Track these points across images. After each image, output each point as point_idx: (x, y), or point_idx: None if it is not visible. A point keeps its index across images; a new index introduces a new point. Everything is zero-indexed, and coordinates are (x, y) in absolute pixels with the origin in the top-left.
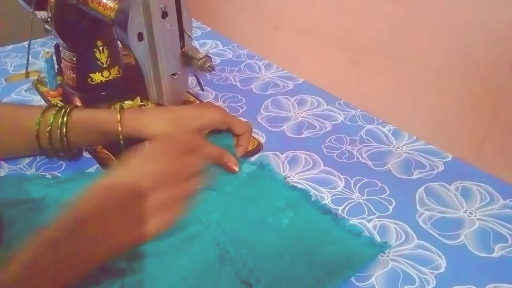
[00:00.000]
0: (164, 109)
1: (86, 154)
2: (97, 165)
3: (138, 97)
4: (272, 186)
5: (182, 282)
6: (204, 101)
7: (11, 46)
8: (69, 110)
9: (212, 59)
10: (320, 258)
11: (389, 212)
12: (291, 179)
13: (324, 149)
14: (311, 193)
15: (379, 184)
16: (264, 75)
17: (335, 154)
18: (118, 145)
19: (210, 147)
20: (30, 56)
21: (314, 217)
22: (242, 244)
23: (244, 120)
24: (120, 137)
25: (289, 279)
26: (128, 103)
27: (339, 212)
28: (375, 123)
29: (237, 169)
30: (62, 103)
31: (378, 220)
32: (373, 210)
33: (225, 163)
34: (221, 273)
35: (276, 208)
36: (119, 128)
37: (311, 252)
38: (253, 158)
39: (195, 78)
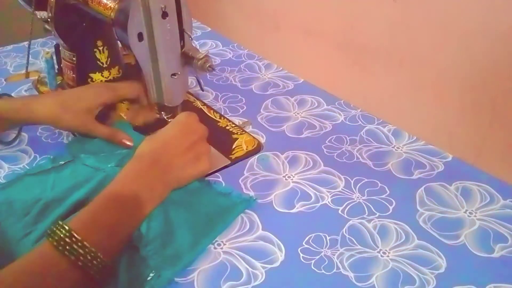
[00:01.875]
0: (53, 93)
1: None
2: None
3: None
4: None
5: None
6: (204, 101)
7: (11, 46)
8: None
9: (212, 59)
10: (196, 219)
11: (389, 212)
12: (291, 179)
13: (324, 149)
14: None
15: (379, 184)
16: (264, 75)
17: (335, 154)
18: None
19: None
20: (30, 56)
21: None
22: None
23: (133, 84)
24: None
25: (173, 241)
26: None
27: (339, 212)
28: (375, 123)
29: (131, 144)
30: None
31: (378, 220)
32: (373, 210)
33: (119, 140)
34: None
35: None
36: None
37: (190, 215)
38: (253, 158)
39: (195, 78)
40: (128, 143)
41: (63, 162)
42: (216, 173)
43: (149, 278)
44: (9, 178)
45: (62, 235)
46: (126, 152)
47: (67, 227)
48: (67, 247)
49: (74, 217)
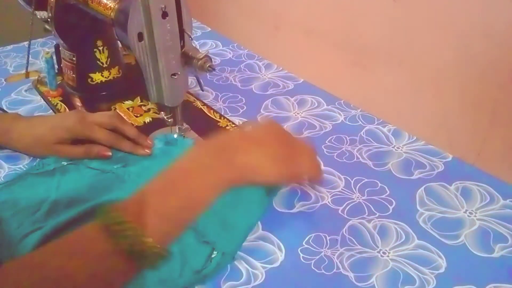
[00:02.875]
0: (31, 126)
1: None
2: None
3: (138, 97)
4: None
5: None
6: (204, 101)
7: (11, 46)
8: None
9: (212, 59)
10: (238, 199)
11: (389, 212)
12: None
13: (324, 149)
14: None
15: (379, 184)
16: (264, 75)
17: (335, 154)
18: None
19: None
20: (30, 56)
21: None
22: None
23: (106, 114)
24: None
25: (227, 220)
26: (128, 103)
27: (339, 212)
28: (375, 123)
29: (109, 154)
30: (62, 103)
31: (378, 220)
32: (373, 210)
33: (96, 154)
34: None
35: None
36: None
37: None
38: None
39: (195, 78)
40: (106, 153)
41: (65, 163)
42: None
43: (213, 256)
44: (9, 178)
45: (112, 218)
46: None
47: (119, 212)
48: (114, 230)
49: (130, 197)
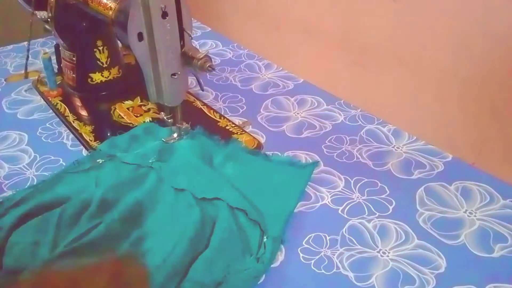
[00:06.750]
0: None
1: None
2: None
3: (138, 97)
4: (207, 148)
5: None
6: (204, 101)
7: (11, 46)
8: None
9: (212, 59)
10: (267, 188)
11: (389, 212)
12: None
13: (324, 149)
14: (240, 143)
15: (379, 184)
16: (264, 75)
17: (335, 154)
18: None
19: None
20: (30, 56)
21: (249, 160)
22: (204, 194)
23: None
24: None
25: (247, 209)
26: (128, 103)
27: (339, 212)
28: (375, 123)
29: None
30: (62, 103)
31: (378, 220)
32: (373, 210)
33: None
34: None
35: (217, 164)
36: None
37: (259, 186)
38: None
39: (195, 78)
40: None
41: (101, 161)
42: None
43: (264, 240)
44: (9, 178)
45: None
46: (159, 144)
47: None
48: None
49: None
